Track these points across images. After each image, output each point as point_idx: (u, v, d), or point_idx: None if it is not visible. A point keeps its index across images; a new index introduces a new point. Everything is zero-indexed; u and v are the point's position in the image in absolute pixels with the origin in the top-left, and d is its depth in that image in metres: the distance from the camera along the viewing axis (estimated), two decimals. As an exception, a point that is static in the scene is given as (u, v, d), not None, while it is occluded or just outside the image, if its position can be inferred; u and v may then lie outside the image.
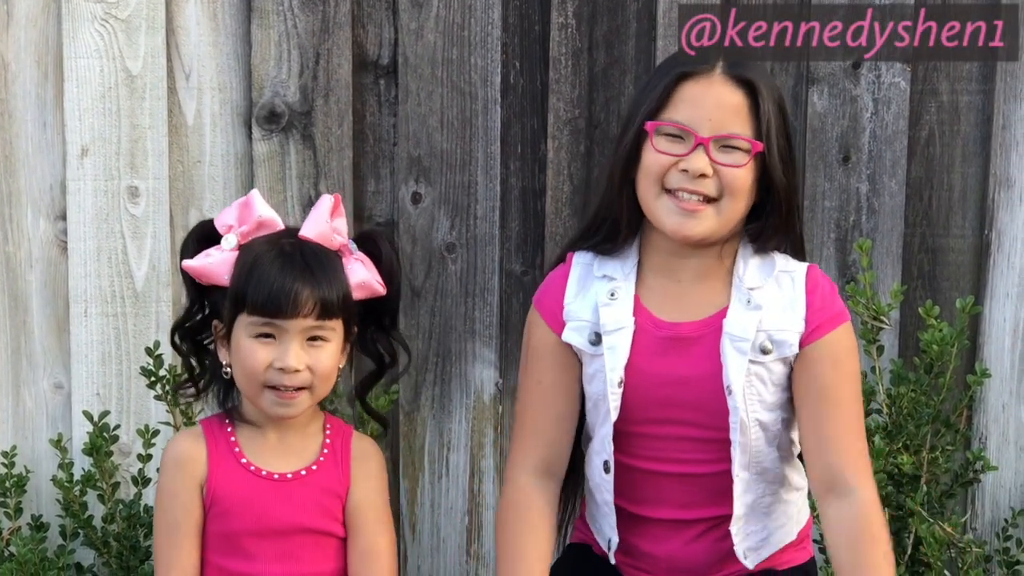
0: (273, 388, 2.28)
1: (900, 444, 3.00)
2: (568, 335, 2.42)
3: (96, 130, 3.09)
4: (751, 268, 2.40)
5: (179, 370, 2.96)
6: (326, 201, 2.35)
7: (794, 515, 2.52)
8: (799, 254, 2.45)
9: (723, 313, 2.38)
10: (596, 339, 2.39)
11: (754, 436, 2.38)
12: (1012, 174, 3.23)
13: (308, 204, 3.11)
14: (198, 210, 3.15)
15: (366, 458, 2.39)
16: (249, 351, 2.28)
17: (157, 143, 3.11)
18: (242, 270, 2.30)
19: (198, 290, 2.38)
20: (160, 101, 3.11)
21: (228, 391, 2.40)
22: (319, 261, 2.30)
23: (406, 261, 3.17)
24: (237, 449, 2.35)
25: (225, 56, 3.13)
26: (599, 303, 2.40)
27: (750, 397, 2.36)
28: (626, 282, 2.41)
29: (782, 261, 2.41)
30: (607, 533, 2.47)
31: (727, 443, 2.38)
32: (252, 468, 2.33)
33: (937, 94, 3.24)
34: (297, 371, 2.27)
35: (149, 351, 2.98)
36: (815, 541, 2.65)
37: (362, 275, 2.34)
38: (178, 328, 2.42)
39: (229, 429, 2.37)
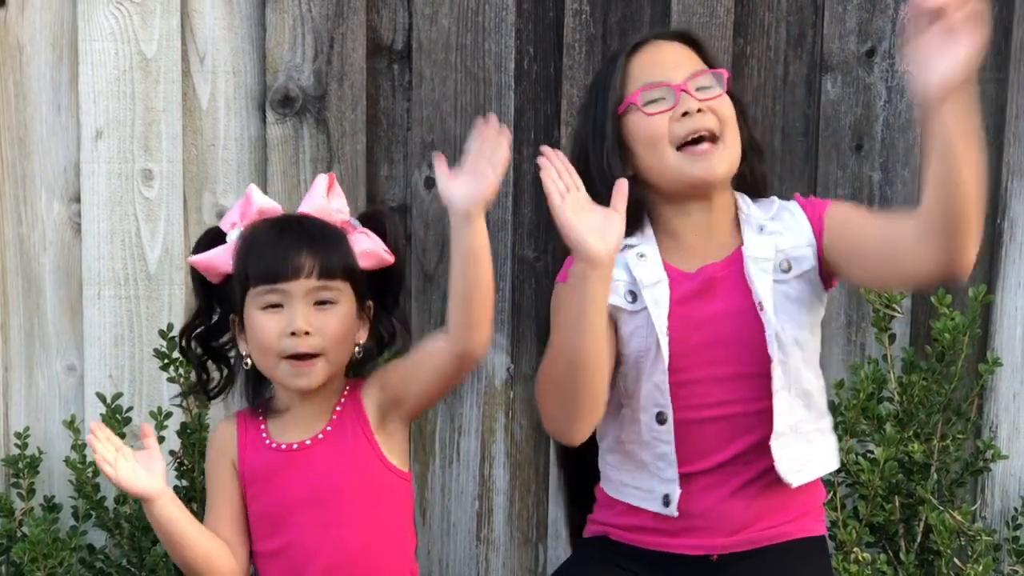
0: (288, 359, 2.30)
1: (911, 432, 3.01)
2: None
3: (110, 113, 3.10)
4: (754, 208, 2.52)
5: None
6: (321, 180, 2.40)
7: (833, 450, 2.56)
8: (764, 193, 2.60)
9: (741, 247, 2.47)
10: (632, 297, 2.44)
11: (792, 354, 2.43)
12: (1025, 163, 3.24)
13: (321, 188, 3.12)
14: (211, 193, 3.15)
15: (373, 381, 2.41)
16: (260, 324, 2.31)
17: (171, 126, 3.12)
18: (242, 247, 2.34)
19: (208, 292, 2.42)
20: (174, 84, 3.11)
21: (257, 388, 2.43)
22: (317, 227, 2.34)
23: (418, 246, 3.18)
24: (264, 434, 2.39)
25: (239, 40, 3.13)
26: (629, 264, 2.46)
27: (781, 315, 2.42)
28: (649, 245, 2.49)
29: (777, 200, 2.54)
30: (660, 490, 2.47)
31: (766, 377, 2.42)
32: (273, 445, 2.37)
33: (951, 83, 3.23)
34: (307, 333, 2.28)
35: (162, 333, 2.98)
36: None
37: (367, 244, 2.37)
38: (187, 332, 2.45)
39: (260, 418, 2.41)
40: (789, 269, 2.45)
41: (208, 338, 2.46)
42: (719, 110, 2.46)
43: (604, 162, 2.49)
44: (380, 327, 2.45)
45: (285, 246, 2.29)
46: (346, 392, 2.42)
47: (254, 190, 2.41)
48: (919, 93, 2.19)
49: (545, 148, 2.36)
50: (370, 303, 2.40)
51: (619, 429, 2.53)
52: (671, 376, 2.43)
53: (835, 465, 2.57)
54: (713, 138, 2.44)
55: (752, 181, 2.56)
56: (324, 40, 3.12)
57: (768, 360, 2.41)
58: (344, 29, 3.12)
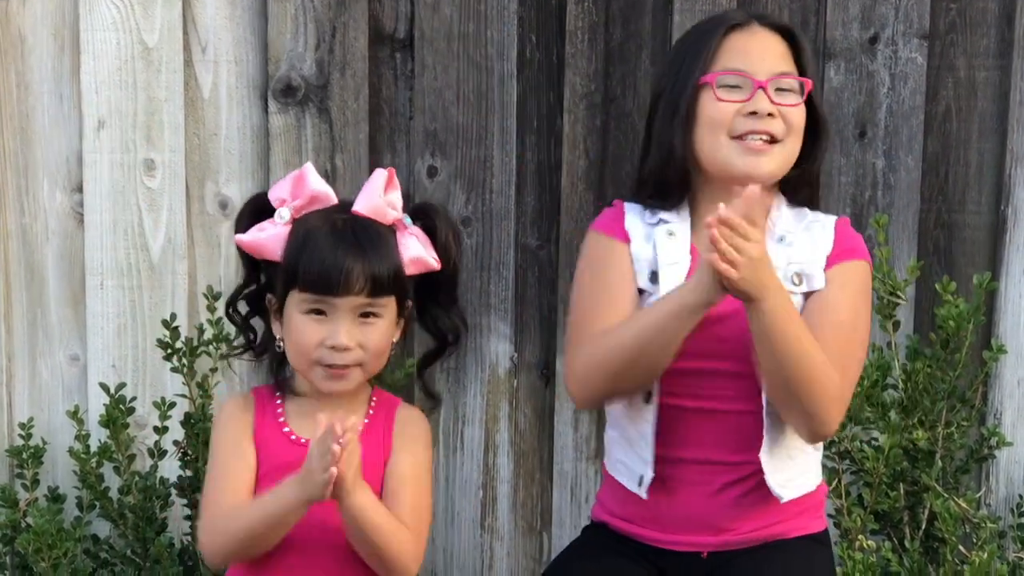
0: (324, 365, 2.27)
1: (915, 419, 3.00)
2: None
3: (112, 103, 3.10)
4: (784, 216, 2.50)
5: (197, 341, 2.98)
6: (379, 175, 2.32)
7: (813, 468, 2.54)
8: (816, 203, 2.57)
9: None
10: (653, 278, 2.44)
11: None
12: (1029, 151, 3.24)
13: (324, 177, 3.07)
14: (214, 183, 3.15)
15: (408, 427, 2.36)
16: (300, 328, 2.27)
17: (173, 116, 3.11)
18: (294, 246, 2.28)
19: (253, 263, 2.36)
20: (176, 74, 3.11)
21: (281, 363, 2.38)
22: (370, 238, 2.27)
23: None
24: (282, 419, 2.34)
25: (241, 29, 3.13)
26: (657, 241, 2.46)
27: None
28: (683, 225, 2.48)
29: (812, 214, 2.52)
30: (639, 470, 2.47)
31: (757, 380, 2.41)
32: (292, 437, 2.32)
33: (954, 69, 3.23)
34: (348, 349, 2.25)
35: (165, 323, 2.98)
36: (829, 515, 2.66)
37: (416, 250, 2.32)
38: (233, 301, 2.40)
39: (278, 400, 2.36)
40: (800, 283, 2.43)
41: (257, 302, 2.39)
42: (789, 117, 2.43)
43: (668, 126, 2.47)
44: (439, 324, 2.42)
45: (339, 257, 2.24)
46: (374, 401, 2.38)
47: (309, 170, 2.35)
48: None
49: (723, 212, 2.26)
50: (409, 303, 2.36)
51: (618, 403, 2.53)
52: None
53: (812, 488, 2.53)
54: (772, 140, 2.43)
55: (795, 186, 2.52)
56: (326, 29, 3.12)
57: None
58: (346, 18, 3.12)
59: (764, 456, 2.43)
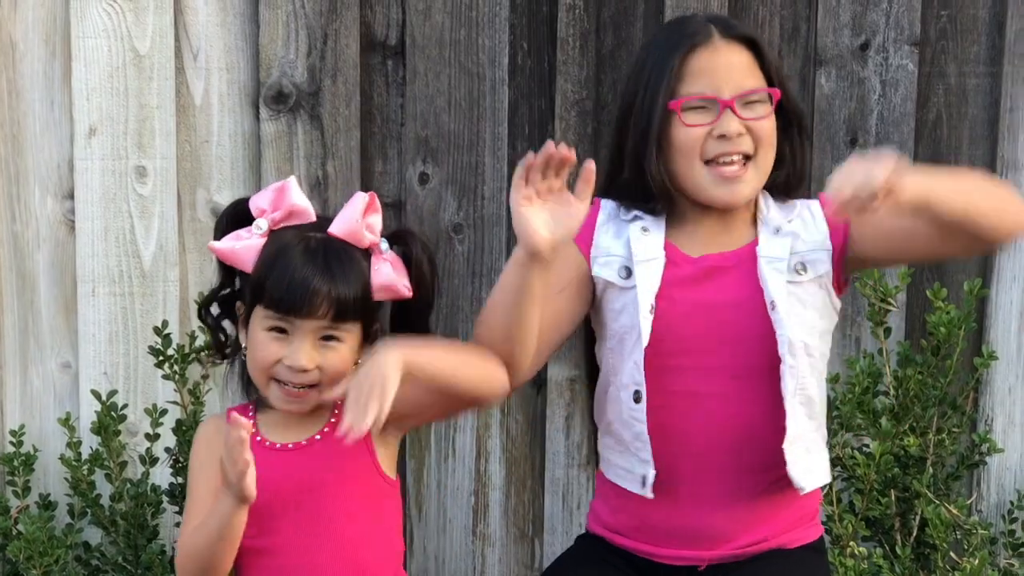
0: (280, 383, 2.27)
1: (906, 426, 3.00)
2: (598, 270, 2.46)
3: (104, 110, 3.09)
4: (773, 210, 2.49)
5: (189, 348, 2.98)
6: (360, 199, 2.31)
7: (827, 463, 2.53)
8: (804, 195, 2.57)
9: (753, 244, 2.45)
10: (626, 273, 2.44)
11: (801, 360, 2.40)
12: (1019, 157, 3.23)
13: (316, 184, 3.12)
14: (205, 190, 3.15)
15: None
16: (261, 344, 2.26)
17: (165, 123, 3.11)
18: (265, 261, 2.27)
19: (228, 269, 2.36)
20: (168, 81, 3.11)
21: (251, 379, 2.37)
22: (340, 261, 2.26)
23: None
24: (254, 429, 2.32)
25: (233, 36, 3.13)
26: (631, 238, 2.45)
27: (791, 317, 2.39)
28: (656, 222, 2.47)
29: (798, 202, 2.52)
30: (640, 471, 2.46)
31: (764, 375, 2.40)
32: (267, 444, 2.31)
33: (945, 76, 3.24)
34: (306, 371, 2.25)
35: (157, 330, 2.98)
36: (821, 522, 2.67)
37: (387, 277, 2.30)
38: (207, 303, 2.40)
39: (251, 413, 2.35)
40: (804, 271, 2.43)
41: (230, 304, 2.39)
42: (758, 131, 2.42)
43: (641, 150, 2.45)
44: None
45: (306, 279, 2.22)
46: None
47: (292, 184, 2.34)
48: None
49: (550, 145, 2.28)
50: (377, 326, 2.34)
51: (609, 408, 2.52)
52: (657, 359, 2.40)
53: (827, 480, 2.53)
54: (745, 159, 2.42)
55: (783, 183, 2.51)
56: (317, 36, 3.12)
57: (769, 361, 2.39)
58: (338, 25, 3.12)
59: (788, 446, 2.40)
